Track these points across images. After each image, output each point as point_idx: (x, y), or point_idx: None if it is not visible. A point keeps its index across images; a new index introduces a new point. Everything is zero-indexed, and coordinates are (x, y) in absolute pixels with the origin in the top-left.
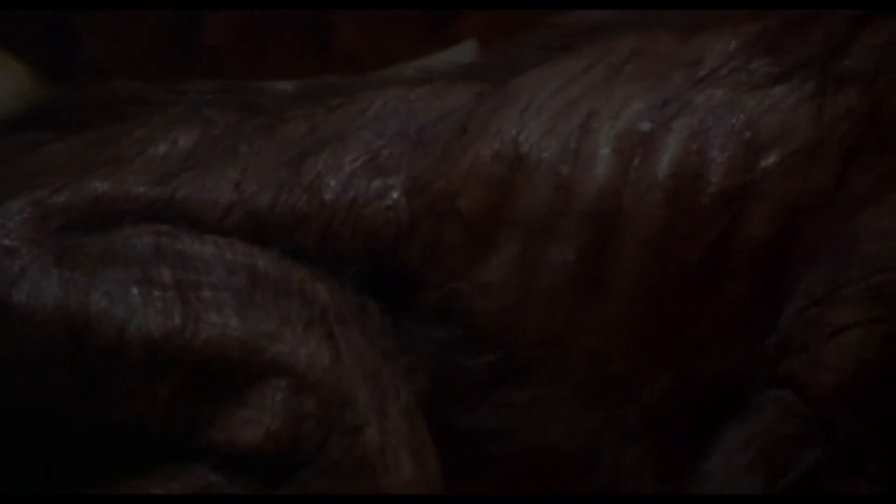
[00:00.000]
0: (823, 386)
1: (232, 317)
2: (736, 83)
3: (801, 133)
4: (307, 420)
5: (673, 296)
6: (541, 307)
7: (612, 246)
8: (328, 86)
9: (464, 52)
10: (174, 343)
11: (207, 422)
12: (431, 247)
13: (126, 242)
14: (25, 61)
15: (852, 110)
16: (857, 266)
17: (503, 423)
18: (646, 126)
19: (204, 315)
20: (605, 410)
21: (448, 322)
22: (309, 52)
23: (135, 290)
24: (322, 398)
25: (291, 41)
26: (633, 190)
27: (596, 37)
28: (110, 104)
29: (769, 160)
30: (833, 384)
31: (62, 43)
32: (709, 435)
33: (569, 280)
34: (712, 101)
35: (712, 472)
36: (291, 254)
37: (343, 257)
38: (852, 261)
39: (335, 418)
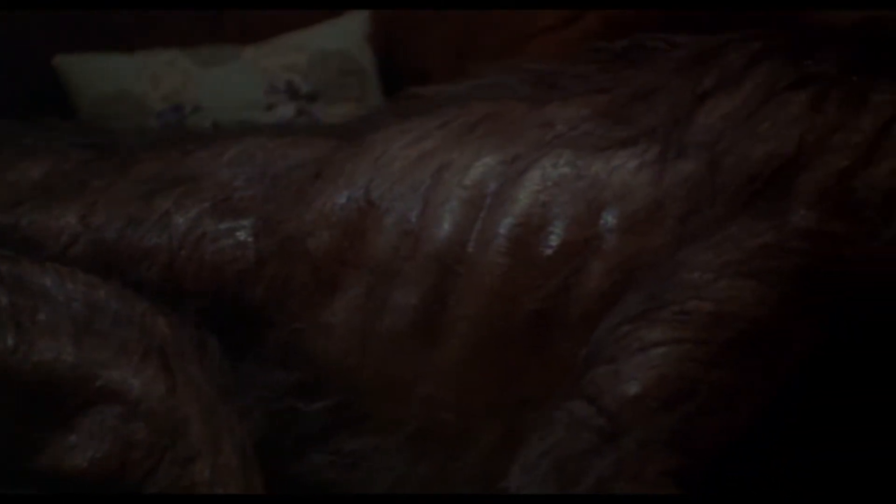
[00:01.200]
0: (622, 396)
1: (67, 343)
2: (583, 145)
3: (641, 195)
4: (137, 447)
5: (508, 346)
6: (381, 351)
7: (455, 293)
8: (186, 132)
9: (356, 19)
10: (5, 364)
11: (37, 446)
12: (277, 287)
13: None
14: None
15: (691, 177)
16: (673, 291)
17: (334, 471)
18: (495, 179)
19: (38, 339)
20: (434, 463)
21: (288, 364)
22: (202, 22)
23: None
24: (154, 427)
25: (185, 10)
26: (479, 239)
27: (452, 103)
28: None
29: (610, 219)
30: (632, 395)
31: None
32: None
33: (410, 325)
34: (560, 160)
35: (509, 488)
36: (135, 286)
37: (188, 293)
38: (670, 287)
39: (166, 448)
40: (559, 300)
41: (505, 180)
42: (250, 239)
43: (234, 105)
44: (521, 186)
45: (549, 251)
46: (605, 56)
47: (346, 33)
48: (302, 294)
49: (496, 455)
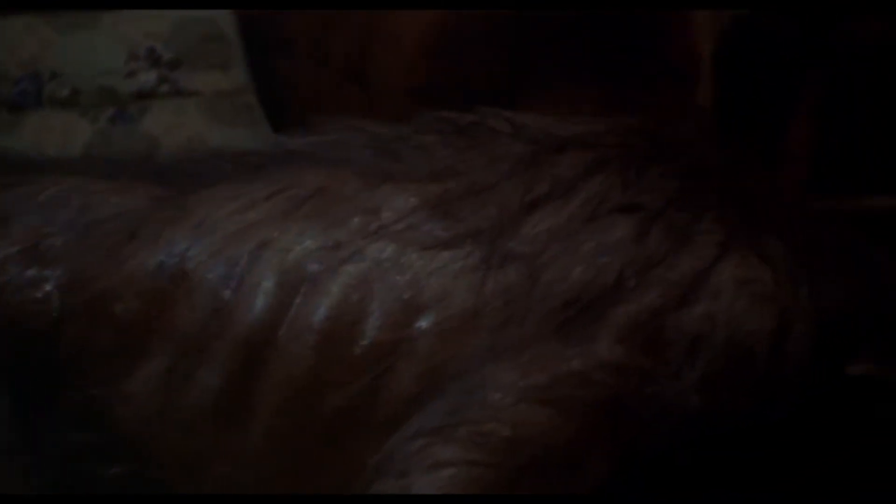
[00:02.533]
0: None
1: None
2: (408, 240)
3: (459, 301)
4: None
5: (310, 440)
6: (180, 427)
7: (262, 379)
8: (5, 161)
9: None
10: None
11: None
12: (80, 347)
13: None
14: None
15: (510, 289)
16: (473, 409)
17: None
18: (314, 266)
19: None
20: None
21: (85, 427)
22: None
23: None
24: None
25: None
26: (290, 327)
27: (287, 164)
28: None
29: (425, 322)
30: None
31: None
32: None
33: (212, 404)
34: (382, 253)
35: None
36: None
37: None
38: (471, 404)
39: None
40: (366, 400)
41: (323, 268)
42: (55, 292)
43: (93, 72)
44: (338, 277)
45: (359, 349)
46: (449, 128)
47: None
48: (104, 359)
49: None
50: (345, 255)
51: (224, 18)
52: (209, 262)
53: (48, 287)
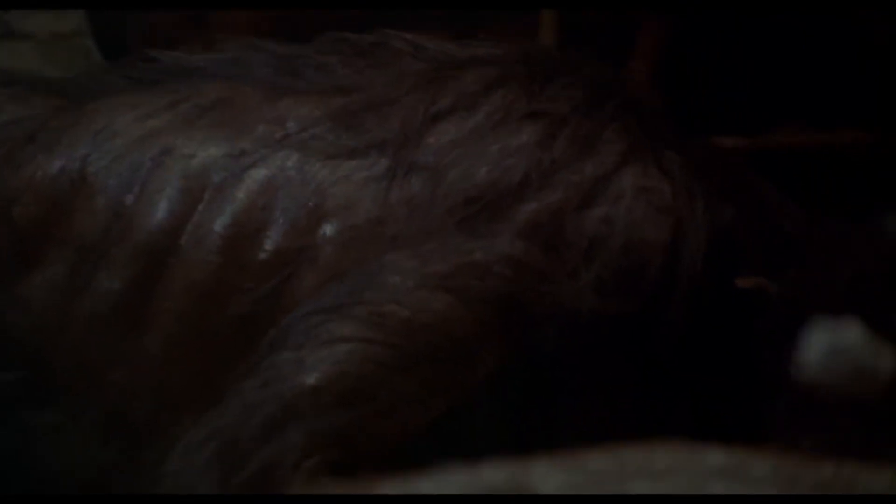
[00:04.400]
0: (300, 386)
1: None
2: (312, 150)
3: (363, 210)
4: None
5: (211, 346)
6: (78, 332)
7: (162, 284)
8: None
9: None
10: None
11: None
12: None
13: None
14: None
15: (414, 198)
16: (372, 290)
17: (18, 442)
18: (218, 173)
19: None
20: (121, 450)
21: None
22: None
23: None
24: None
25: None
26: (193, 233)
27: (186, 78)
28: None
29: (329, 230)
30: (310, 386)
31: None
32: None
33: (111, 310)
34: (287, 162)
35: (169, 473)
36: None
37: None
38: (371, 286)
39: None
40: (267, 306)
41: (227, 175)
42: None
43: None
44: (242, 185)
45: (262, 255)
46: (349, 49)
47: None
48: (0, 263)
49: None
50: (249, 162)
51: None
52: (111, 168)
53: None
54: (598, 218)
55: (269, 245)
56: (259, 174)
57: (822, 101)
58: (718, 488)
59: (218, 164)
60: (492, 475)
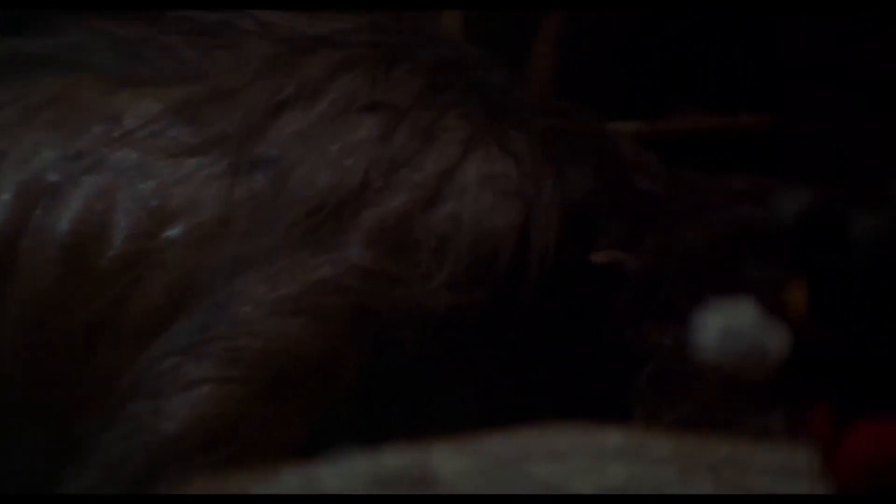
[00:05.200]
0: (162, 436)
1: None
2: (152, 147)
3: (207, 209)
4: None
5: (58, 354)
6: None
7: (5, 293)
8: None
9: None
10: None
11: None
12: None
13: None
14: None
15: (258, 195)
16: (224, 325)
17: None
18: (53, 177)
19: None
20: None
21: None
22: None
23: None
24: None
25: None
26: (32, 240)
27: (19, 71)
28: None
29: (174, 231)
30: (172, 435)
31: None
32: None
33: None
34: (125, 162)
35: None
36: None
37: None
38: (222, 319)
39: None
40: (114, 313)
41: (64, 179)
42: None
43: None
44: (80, 188)
45: (104, 262)
46: (194, 29)
47: None
48: None
49: (45, 458)
50: (86, 164)
51: None
52: None
53: None
54: (445, 216)
55: (111, 250)
56: (97, 176)
57: (723, 86)
58: (619, 469)
59: (53, 168)
60: (393, 460)
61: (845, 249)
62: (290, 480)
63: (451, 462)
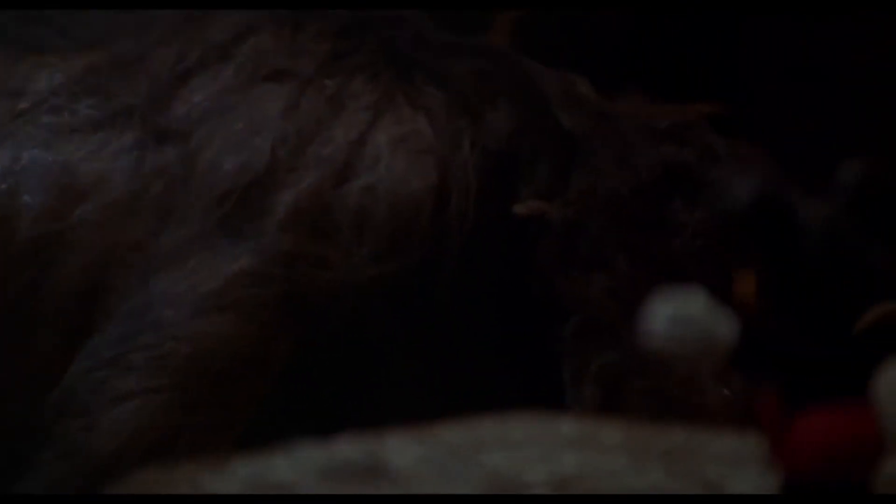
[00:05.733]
0: (99, 454)
1: None
2: (56, 123)
3: (117, 185)
4: None
5: None
6: None
7: None
8: None
9: None
10: None
11: None
12: None
13: None
14: None
15: (168, 169)
16: (149, 333)
17: None
18: None
19: None
20: None
21: None
22: None
23: None
24: None
25: None
26: None
27: None
28: None
29: (85, 209)
30: (109, 453)
31: None
32: None
33: None
34: (30, 139)
35: None
36: None
37: None
38: (146, 327)
39: None
40: (31, 297)
41: None
42: None
43: None
44: None
45: (15, 246)
46: None
47: None
48: None
49: None
50: None
51: None
52: None
53: None
54: (360, 188)
55: (22, 232)
56: (2, 158)
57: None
58: (571, 457)
59: None
60: (347, 450)
61: (795, 238)
62: (241, 472)
63: (403, 452)
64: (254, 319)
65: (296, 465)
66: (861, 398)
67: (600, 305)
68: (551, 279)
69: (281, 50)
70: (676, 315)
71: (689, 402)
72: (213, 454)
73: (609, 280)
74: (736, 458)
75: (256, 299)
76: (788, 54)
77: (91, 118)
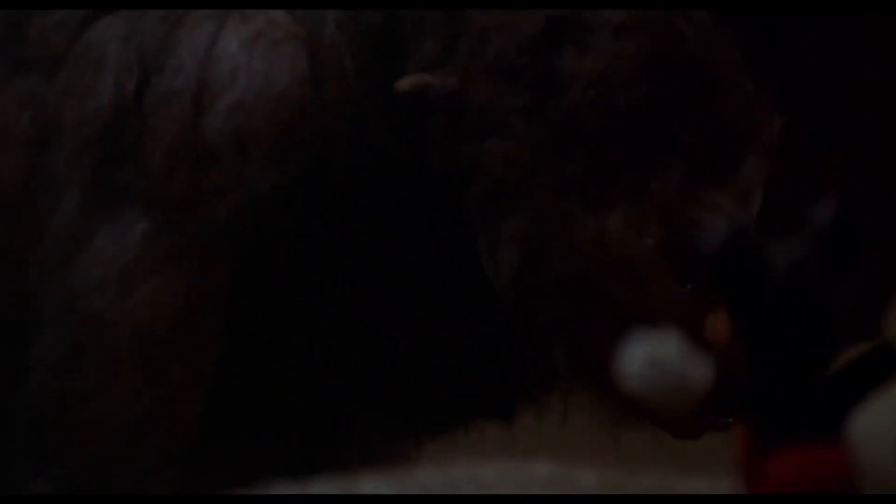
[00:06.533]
0: (86, 457)
1: None
2: None
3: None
4: None
5: None
6: None
7: None
8: None
9: None
10: None
11: None
12: None
13: None
14: None
15: (33, 97)
16: (82, 328)
17: None
18: None
19: None
20: None
21: None
22: None
23: None
24: None
25: None
26: None
27: None
28: None
29: None
30: (93, 456)
31: None
32: None
33: None
34: None
35: None
36: None
37: None
38: (80, 322)
39: None
40: None
41: None
42: None
43: None
44: None
45: None
46: None
47: None
48: None
49: None
50: None
51: None
52: None
53: None
54: (228, 108)
55: None
56: None
57: None
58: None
59: None
60: (320, 490)
61: (765, 277)
62: None
63: (377, 491)
64: (177, 272)
65: None
66: (835, 439)
67: (499, 171)
68: (445, 154)
69: None
70: (651, 356)
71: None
72: (187, 425)
73: (505, 144)
74: (710, 496)
75: (171, 252)
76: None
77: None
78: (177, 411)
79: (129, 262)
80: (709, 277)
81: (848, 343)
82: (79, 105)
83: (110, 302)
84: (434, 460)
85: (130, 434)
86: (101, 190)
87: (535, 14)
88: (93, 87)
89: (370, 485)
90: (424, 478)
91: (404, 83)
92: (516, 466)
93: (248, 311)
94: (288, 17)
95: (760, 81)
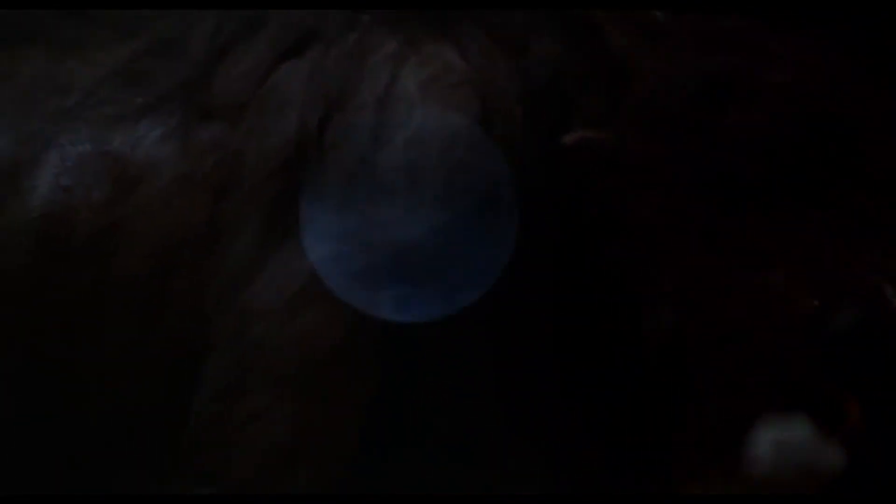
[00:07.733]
0: (244, 477)
1: None
2: (103, 116)
3: (168, 168)
4: None
5: (49, 346)
6: None
7: None
8: None
9: None
10: None
11: None
12: None
13: None
14: None
15: (217, 143)
16: (251, 351)
17: None
18: (12, 162)
19: None
20: None
21: None
22: None
23: None
24: None
25: None
26: (3, 234)
27: None
28: None
29: (138, 197)
30: (248, 475)
31: None
32: None
33: None
34: (79, 135)
35: None
36: None
37: None
38: (247, 346)
39: None
40: (96, 293)
41: (24, 163)
42: None
43: None
44: (39, 171)
45: (77, 242)
46: None
47: None
48: None
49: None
50: (40, 145)
51: None
52: None
53: None
54: (403, 143)
55: (81, 228)
56: (53, 156)
57: None
58: None
59: (10, 153)
60: None
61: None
62: None
63: None
64: (342, 300)
65: None
66: None
67: (658, 223)
68: (607, 207)
69: (310, 12)
70: (780, 441)
71: None
72: (345, 449)
73: (665, 197)
74: None
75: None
76: None
77: (135, 105)
78: (335, 436)
79: (297, 290)
80: (843, 358)
81: None
82: (260, 144)
83: (276, 327)
84: None
85: (287, 458)
86: (279, 220)
87: (693, 67)
88: (276, 126)
89: None
90: None
91: (570, 138)
92: None
93: (404, 340)
94: (462, 63)
95: None
